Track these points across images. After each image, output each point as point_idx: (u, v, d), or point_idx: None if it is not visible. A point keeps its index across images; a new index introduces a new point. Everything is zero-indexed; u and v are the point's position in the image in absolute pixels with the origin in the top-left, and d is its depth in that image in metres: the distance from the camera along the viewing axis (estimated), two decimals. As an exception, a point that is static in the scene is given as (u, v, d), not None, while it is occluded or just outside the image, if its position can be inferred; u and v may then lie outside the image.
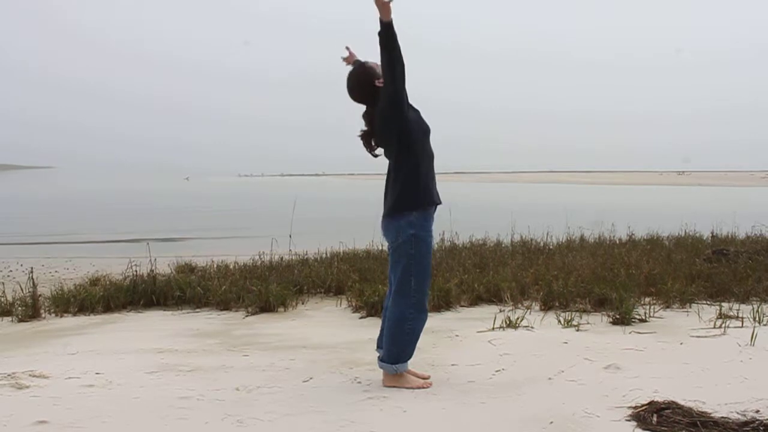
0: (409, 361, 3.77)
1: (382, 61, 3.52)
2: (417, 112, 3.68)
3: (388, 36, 3.44)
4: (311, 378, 3.95)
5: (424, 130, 3.69)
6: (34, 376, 3.96)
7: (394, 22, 3.41)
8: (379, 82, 3.62)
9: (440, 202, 3.73)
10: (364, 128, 3.77)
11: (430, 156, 3.72)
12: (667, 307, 5.99)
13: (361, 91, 3.71)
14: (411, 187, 3.60)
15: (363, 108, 3.76)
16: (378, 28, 3.44)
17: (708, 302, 6.18)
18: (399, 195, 3.62)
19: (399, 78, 3.50)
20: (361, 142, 3.79)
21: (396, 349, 3.68)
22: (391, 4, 3.36)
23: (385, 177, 3.78)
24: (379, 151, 3.76)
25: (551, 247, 9.70)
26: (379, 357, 3.79)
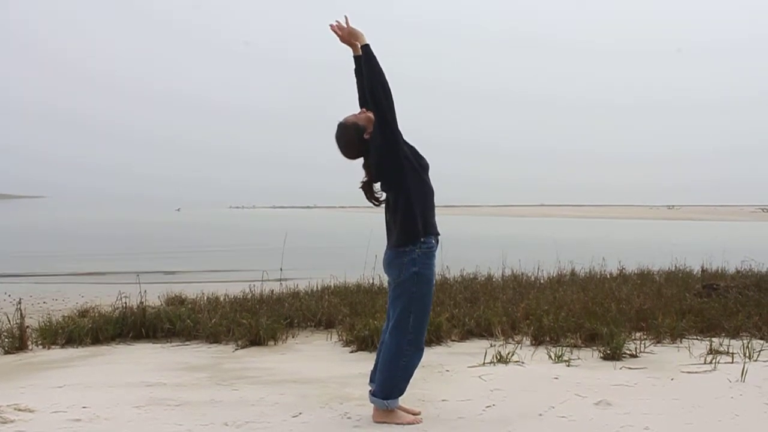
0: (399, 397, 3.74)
1: (366, 83, 3.61)
2: (413, 148, 3.72)
3: (368, 57, 3.57)
4: (301, 413, 3.92)
5: (423, 165, 3.72)
6: (20, 410, 3.91)
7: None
8: (367, 134, 3.67)
9: (439, 234, 3.76)
10: (364, 179, 3.80)
11: (430, 190, 3.75)
12: (658, 342, 5.99)
13: (355, 149, 3.74)
14: (413, 221, 3.62)
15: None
16: (355, 56, 3.67)
17: (698, 337, 6.19)
18: (402, 229, 3.63)
19: (383, 96, 3.55)
20: (363, 192, 3.83)
21: (389, 384, 3.66)
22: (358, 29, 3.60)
23: (384, 211, 3.80)
24: (382, 196, 3.78)
25: (542, 281, 9.71)
26: (370, 391, 3.77)
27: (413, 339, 3.62)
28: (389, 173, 3.65)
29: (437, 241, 3.73)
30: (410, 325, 3.60)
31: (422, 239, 3.61)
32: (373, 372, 3.82)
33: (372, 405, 3.75)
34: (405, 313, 3.60)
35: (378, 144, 3.62)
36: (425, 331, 3.72)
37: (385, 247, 3.76)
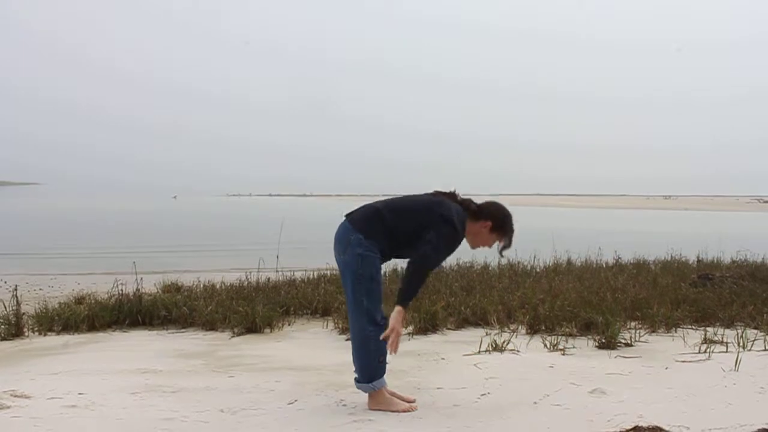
0: (394, 384, 3.75)
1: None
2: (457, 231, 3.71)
3: (413, 295, 3.68)
4: (296, 400, 3.93)
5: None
6: (16, 396, 3.91)
7: None
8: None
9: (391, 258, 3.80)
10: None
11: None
12: (653, 331, 6.01)
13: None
14: (382, 231, 3.65)
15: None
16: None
17: (693, 327, 6.21)
18: (370, 220, 3.67)
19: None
20: None
21: (368, 368, 3.68)
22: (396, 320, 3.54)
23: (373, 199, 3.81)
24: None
25: (538, 270, 9.73)
26: (355, 378, 3.78)
27: (371, 317, 3.63)
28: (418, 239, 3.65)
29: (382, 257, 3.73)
30: (365, 307, 3.61)
31: (376, 241, 3.63)
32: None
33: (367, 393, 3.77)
34: (358, 297, 3.62)
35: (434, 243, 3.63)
36: (380, 306, 3.71)
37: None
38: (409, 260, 3.66)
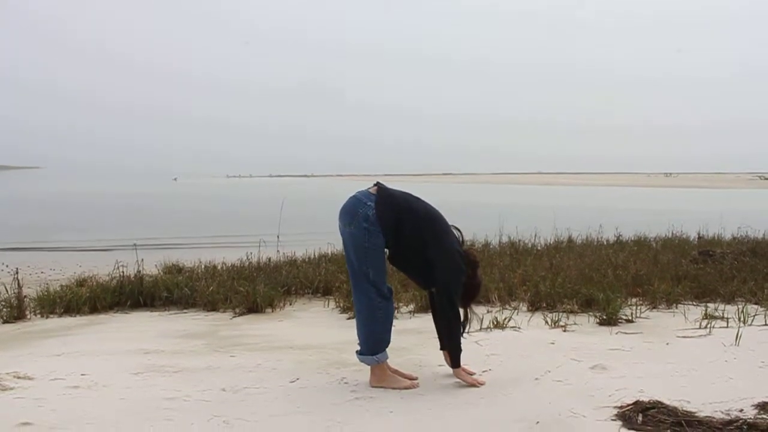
0: (396, 362, 3.76)
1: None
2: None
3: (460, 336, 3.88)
4: (298, 379, 3.94)
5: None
6: (19, 377, 3.93)
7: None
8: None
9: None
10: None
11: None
12: (654, 307, 6.02)
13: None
14: (393, 220, 3.62)
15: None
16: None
17: (694, 303, 6.21)
18: (388, 206, 3.64)
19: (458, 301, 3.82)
20: None
21: (373, 339, 3.70)
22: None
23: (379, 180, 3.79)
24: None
25: (539, 248, 9.73)
26: (357, 351, 3.79)
27: (379, 290, 3.65)
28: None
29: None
30: (371, 279, 3.63)
31: (384, 226, 3.60)
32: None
33: (369, 370, 3.78)
34: (364, 269, 3.63)
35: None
36: (386, 278, 3.74)
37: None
38: (438, 305, 3.84)
